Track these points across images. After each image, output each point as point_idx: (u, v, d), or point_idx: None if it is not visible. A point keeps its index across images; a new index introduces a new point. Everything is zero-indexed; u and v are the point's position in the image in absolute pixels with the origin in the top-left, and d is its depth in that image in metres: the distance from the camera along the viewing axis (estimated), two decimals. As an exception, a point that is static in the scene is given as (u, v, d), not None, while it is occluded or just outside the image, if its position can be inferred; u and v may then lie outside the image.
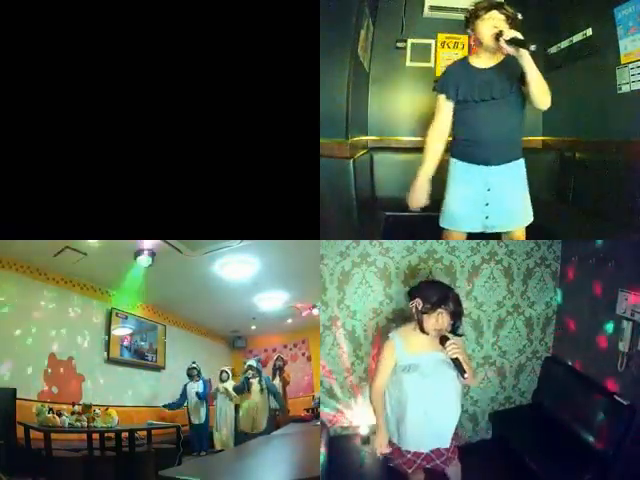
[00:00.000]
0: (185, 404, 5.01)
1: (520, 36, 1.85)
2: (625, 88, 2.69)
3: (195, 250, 3.54)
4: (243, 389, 4.70)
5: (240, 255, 3.70)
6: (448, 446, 1.94)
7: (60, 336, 4.04)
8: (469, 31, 2.04)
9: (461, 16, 3.47)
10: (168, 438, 4.41)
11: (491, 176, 2.07)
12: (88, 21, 2.01)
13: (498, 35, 1.88)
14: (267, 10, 2.06)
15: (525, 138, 3.71)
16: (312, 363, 6.74)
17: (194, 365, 5.12)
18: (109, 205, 2.08)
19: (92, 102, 2.05)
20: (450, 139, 2.18)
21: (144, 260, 3.47)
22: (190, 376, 5.07)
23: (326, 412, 2.69)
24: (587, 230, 2.71)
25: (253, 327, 6.77)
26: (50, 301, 4.00)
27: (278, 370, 5.23)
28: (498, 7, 1.93)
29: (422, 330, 1.80)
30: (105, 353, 4.60)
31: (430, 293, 1.77)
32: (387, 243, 2.55)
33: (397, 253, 2.56)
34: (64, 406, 3.40)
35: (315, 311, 4.95)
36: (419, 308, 1.78)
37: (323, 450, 2.31)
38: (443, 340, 1.75)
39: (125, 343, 4.93)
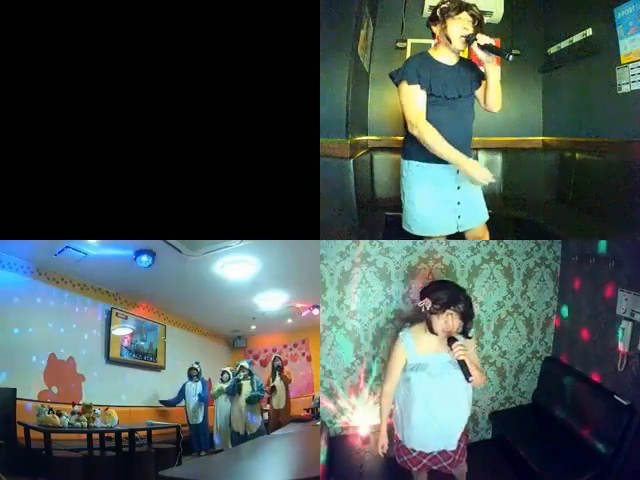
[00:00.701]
0: (182, 403, 5.02)
1: (494, 42, 1.89)
2: (625, 88, 2.69)
3: (195, 250, 3.54)
4: (234, 390, 4.69)
5: (240, 255, 3.70)
6: (454, 448, 1.93)
7: (60, 336, 4.04)
8: (434, 28, 2.01)
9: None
10: (168, 438, 4.41)
11: (459, 173, 2.05)
12: (88, 21, 2.01)
13: (469, 38, 1.90)
14: (267, 10, 2.06)
15: (525, 138, 3.77)
16: (312, 363, 6.75)
17: (196, 365, 5.13)
18: (109, 205, 2.08)
19: (92, 102, 2.05)
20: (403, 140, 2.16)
21: (144, 260, 3.48)
22: (190, 376, 5.07)
23: (326, 412, 2.69)
24: (587, 230, 2.71)
25: (253, 327, 6.77)
26: (50, 301, 4.00)
27: (277, 370, 5.23)
28: (468, 8, 1.93)
29: (431, 330, 1.79)
30: (105, 353, 4.60)
31: (440, 294, 1.75)
32: (387, 243, 2.55)
33: (397, 253, 2.56)
34: (64, 406, 3.40)
35: (315, 311, 4.96)
36: (428, 308, 1.77)
37: (323, 450, 2.30)
38: (450, 341, 1.74)
39: (125, 343, 4.93)
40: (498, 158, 3.59)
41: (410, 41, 3.64)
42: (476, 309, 2.71)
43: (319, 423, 2.73)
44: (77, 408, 3.33)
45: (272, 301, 5.15)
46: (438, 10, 1.98)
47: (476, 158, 3.39)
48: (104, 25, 2.02)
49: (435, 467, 1.98)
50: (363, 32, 3.03)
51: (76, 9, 2.00)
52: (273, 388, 5.17)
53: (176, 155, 2.10)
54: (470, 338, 1.84)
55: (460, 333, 1.79)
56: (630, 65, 2.61)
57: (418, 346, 1.85)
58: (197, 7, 2.05)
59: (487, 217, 2.25)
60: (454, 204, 2.13)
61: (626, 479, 2.12)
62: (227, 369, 5.30)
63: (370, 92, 3.65)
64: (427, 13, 3.53)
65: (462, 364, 1.71)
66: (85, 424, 3.25)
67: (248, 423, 4.52)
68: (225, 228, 2.14)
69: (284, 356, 7.15)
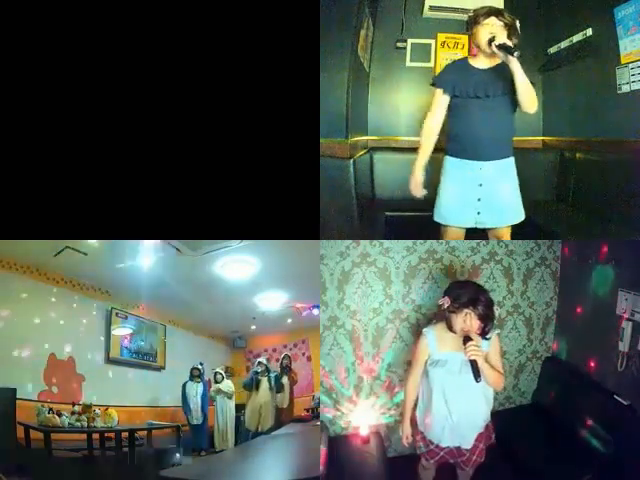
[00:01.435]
0: (181, 402, 5.02)
1: (509, 42, 1.95)
2: (625, 88, 2.68)
3: (195, 250, 3.54)
4: (252, 386, 4.69)
5: (240, 255, 3.69)
6: (470, 447, 1.95)
7: (60, 336, 4.04)
8: (471, 34, 2.12)
9: (461, 16, 3.52)
10: (168, 438, 4.41)
11: (482, 171, 2.16)
12: (88, 21, 2.01)
13: (491, 40, 1.99)
14: (267, 10, 2.06)
15: (525, 138, 3.77)
16: (312, 363, 6.74)
17: (199, 366, 5.12)
18: (109, 205, 2.07)
19: (92, 102, 2.05)
20: (444, 137, 2.25)
21: (144, 260, 3.47)
22: (192, 376, 5.07)
23: (326, 412, 2.69)
24: (587, 230, 2.71)
25: (253, 327, 6.76)
26: (50, 301, 4.00)
27: (286, 369, 5.20)
28: (497, 14, 2.02)
29: (450, 329, 1.82)
30: (105, 353, 4.60)
31: (460, 293, 1.78)
32: (387, 243, 2.55)
33: (397, 253, 2.56)
34: (64, 406, 3.40)
35: (315, 311, 4.95)
36: (446, 306, 1.79)
37: (323, 450, 2.30)
38: (465, 340, 1.75)
39: (125, 343, 4.92)
40: (498, 158, 3.59)
41: (410, 41, 3.64)
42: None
43: (319, 423, 2.73)
44: (77, 408, 3.33)
45: (272, 301, 5.14)
46: (469, 18, 2.10)
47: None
48: (104, 25, 2.02)
49: (452, 461, 2.02)
50: (363, 32, 3.03)
51: (76, 9, 2.00)
52: (281, 386, 5.15)
53: (176, 155, 2.10)
54: (488, 339, 1.84)
55: (479, 334, 1.79)
56: (630, 65, 2.61)
57: (440, 343, 1.89)
58: (197, 7, 2.05)
59: (516, 220, 2.27)
60: (474, 200, 2.20)
61: (626, 479, 2.12)
62: (220, 370, 5.30)
63: (370, 92, 3.65)
64: (427, 13, 3.54)
65: (473, 364, 1.72)
66: (85, 424, 3.25)
67: (262, 419, 4.53)
68: (225, 228, 2.14)
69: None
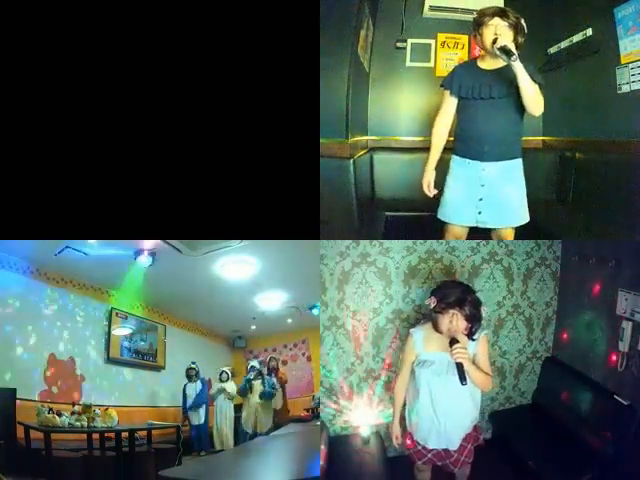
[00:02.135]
0: (181, 402, 5.02)
1: (510, 45, 1.94)
2: (625, 88, 2.68)
3: (195, 250, 3.54)
4: (246, 391, 4.69)
5: (240, 255, 3.70)
6: (456, 448, 1.95)
7: (60, 336, 4.04)
8: (476, 35, 2.13)
9: (461, 16, 3.52)
10: (168, 438, 4.41)
11: (485, 172, 2.18)
12: (88, 21, 2.01)
13: (494, 41, 1.99)
14: (267, 10, 2.06)
15: (525, 138, 3.72)
16: (312, 363, 6.75)
17: (193, 366, 5.12)
18: (109, 205, 2.08)
19: (92, 102, 2.05)
20: (452, 139, 2.29)
21: (144, 260, 3.48)
22: (189, 377, 5.07)
23: (326, 412, 2.69)
24: (587, 230, 2.71)
25: (253, 327, 6.77)
26: (50, 301, 4.00)
27: (273, 371, 5.22)
28: (501, 14, 2.01)
29: (436, 329, 1.81)
30: (105, 353, 4.60)
31: (447, 293, 1.77)
32: (387, 243, 2.55)
33: (397, 253, 2.56)
34: (64, 406, 3.40)
35: (315, 311, 4.95)
36: (433, 306, 1.79)
37: (323, 450, 2.30)
38: (452, 342, 1.74)
39: (125, 343, 4.93)
40: (498, 158, 3.59)
41: (410, 41, 3.64)
42: (476, 309, 2.71)
43: (319, 423, 2.73)
44: (77, 408, 3.32)
45: (272, 301, 5.15)
46: (474, 18, 2.11)
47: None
48: (104, 25, 2.02)
49: (439, 463, 2.01)
50: (363, 32, 3.03)
51: (76, 9, 2.00)
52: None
53: (176, 155, 2.10)
54: (475, 340, 1.84)
55: (466, 335, 1.79)
56: (630, 65, 2.61)
57: (426, 344, 1.89)
58: (197, 7, 2.05)
59: (519, 222, 2.28)
60: (475, 199, 2.22)
61: (626, 479, 2.12)
62: (226, 369, 5.29)
63: (370, 92, 3.65)
64: (427, 13, 3.54)
65: (459, 366, 1.71)
66: (85, 424, 3.24)
67: (259, 423, 4.52)
68: (225, 228, 2.14)
69: (284, 356, 7.16)
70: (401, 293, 2.61)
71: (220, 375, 5.22)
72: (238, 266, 3.89)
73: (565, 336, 2.84)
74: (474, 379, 1.77)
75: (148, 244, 3.39)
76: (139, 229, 2.10)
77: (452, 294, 1.76)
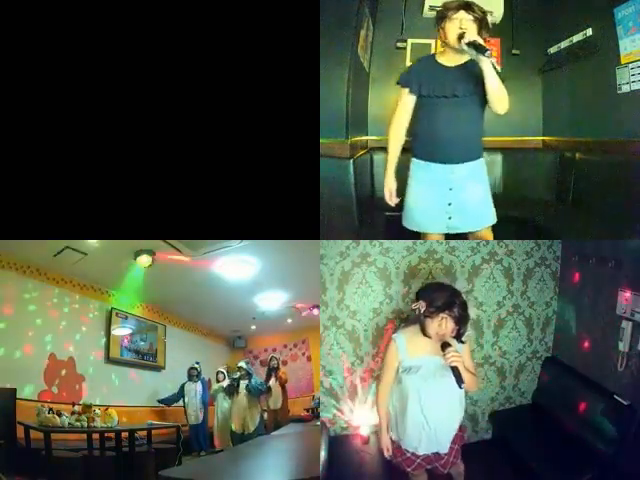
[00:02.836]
0: (181, 403, 5.02)
1: (480, 39, 1.86)
2: (625, 88, 2.68)
3: (195, 250, 3.54)
4: (232, 390, 4.68)
5: (240, 255, 3.70)
6: (446, 451, 1.93)
7: (60, 336, 4.04)
8: (439, 29, 2.03)
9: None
10: (168, 438, 4.41)
11: (452, 174, 2.09)
12: (88, 21, 2.01)
13: (460, 36, 1.90)
14: (267, 10, 2.06)
15: (525, 138, 3.77)
16: (312, 363, 6.75)
17: (196, 366, 5.12)
18: (109, 205, 2.08)
19: (92, 102, 2.05)
20: (410, 139, 2.19)
21: (144, 260, 3.48)
22: (190, 376, 5.07)
23: (326, 412, 2.69)
24: (587, 230, 2.71)
25: (253, 327, 6.77)
26: (50, 301, 4.00)
27: (273, 371, 5.21)
28: (466, 7, 1.92)
29: (425, 333, 1.78)
30: (105, 353, 4.60)
31: (435, 297, 1.73)
32: (387, 243, 2.55)
33: (397, 253, 2.56)
34: (64, 406, 3.40)
35: (315, 311, 4.96)
36: (422, 311, 1.74)
37: (323, 450, 2.30)
38: (444, 347, 1.72)
39: (125, 343, 4.93)
40: (498, 158, 3.58)
41: (410, 41, 3.64)
42: (476, 309, 2.71)
43: (319, 423, 2.73)
44: (77, 408, 3.32)
45: (272, 301, 5.15)
46: (438, 12, 2.00)
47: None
48: (104, 25, 2.02)
49: (429, 467, 1.98)
50: (363, 32, 3.03)
51: (76, 9, 2.00)
52: (268, 389, 5.15)
53: (176, 155, 2.10)
54: (464, 343, 1.82)
55: (454, 337, 1.77)
56: (630, 65, 2.61)
57: (411, 349, 1.84)
58: (197, 7, 2.05)
59: (488, 224, 2.22)
60: (444, 204, 2.13)
61: (626, 479, 2.12)
62: (222, 369, 5.29)
63: (370, 92, 3.65)
64: (427, 13, 3.53)
65: (455, 371, 1.69)
66: (85, 424, 3.24)
67: (246, 422, 4.51)
68: (225, 228, 2.14)
69: (284, 356, 7.16)
70: (401, 293, 2.61)
71: (217, 376, 5.22)
72: (238, 266, 3.89)
73: (565, 336, 2.84)
74: (466, 381, 1.74)
75: (148, 244, 3.39)
76: (139, 229, 2.10)
77: (440, 297, 1.72)
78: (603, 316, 2.42)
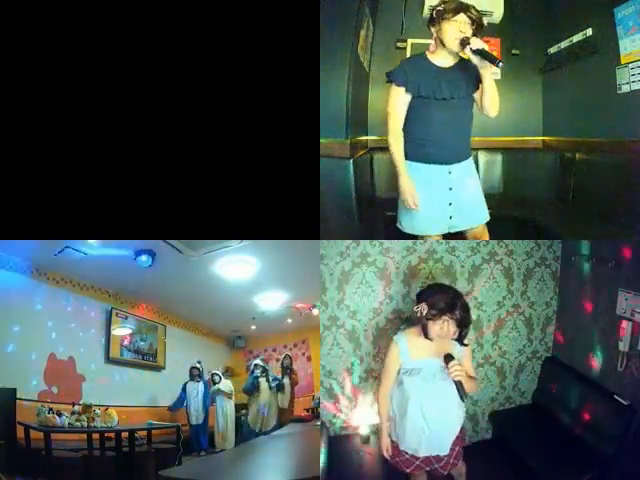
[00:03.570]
0: (185, 403, 5.02)
1: (487, 47, 1.87)
2: (625, 88, 2.68)
3: (195, 250, 3.54)
4: (253, 389, 4.68)
5: (240, 255, 3.69)
6: (447, 453, 1.93)
7: (60, 336, 4.04)
8: (432, 29, 2.00)
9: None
10: (168, 438, 4.41)
11: (451, 175, 2.10)
12: (88, 21, 2.01)
13: (464, 41, 1.88)
14: (267, 10, 2.06)
15: (525, 138, 3.77)
16: (312, 363, 6.75)
17: (197, 365, 5.11)
18: (109, 205, 2.08)
19: (92, 102, 2.05)
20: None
21: (144, 260, 3.48)
22: (192, 376, 5.07)
23: (326, 412, 2.69)
24: (587, 230, 2.71)
25: (253, 327, 6.77)
26: (50, 301, 4.00)
27: (287, 370, 5.17)
28: (466, 10, 1.90)
29: (426, 336, 1.77)
30: (105, 353, 4.60)
31: (437, 299, 1.71)
32: (387, 243, 2.55)
33: (397, 253, 2.56)
34: (64, 406, 3.40)
35: (315, 311, 4.95)
36: (424, 314, 1.73)
37: (323, 450, 2.30)
38: (447, 359, 1.71)
39: (125, 343, 4.93)
40: (498, 158, 3.59)
41: (410, 41, 3.63)
42: (476, 309, 2.72)
43: (319, 423, 2.73)
44: (77, 408, 3.33)
45: (272, 301, 5.15)
46: (434, 12, 1.96)
47: (476, 158, 3.38)
48: (104, 25, 2.02)
49: (428, 468, 1.98)
50: (363, 32, 3.03)
51: (76, 9, 2.00)
52: (282, 386, 5.13)
53: (176, 155, 2.10)
54: (466, 346, 1.82)
55: (456, 339, 1.77)
56: (630, 65, 2.61)
57: (412, 351, 1.84)
58: (197, 7, 2.05)
59: (485, 219, 2.24)
60: (445, 205, 2.13)
61: (626, 479, 2.12)
62: (217, 371, 5.29)
63: (370, 92, 3.64)
64: (427, 13, 3.52)
65: (458, 384, 1.68)
66: (85, 424, 3.25)
67: (266, 419, 4.52)
68: (225, 228, 2.14)
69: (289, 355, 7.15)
70: (401, 293, 2.61)
71: (212, 378, 5.22)
72: (238, 266, 3.89)
73: (565, 336, 2.84)
74: (467, 388, 1.74)
75: (148, 244, 3.39)
76: (139, 229, 2.10)
77: (442, 300, 1.70)
78: (603, 316, 2.42)
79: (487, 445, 2.88)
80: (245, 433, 4.69)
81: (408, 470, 1.97)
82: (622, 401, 2.19)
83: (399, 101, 2.03)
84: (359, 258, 2.53)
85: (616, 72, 2.73)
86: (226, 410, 5.20)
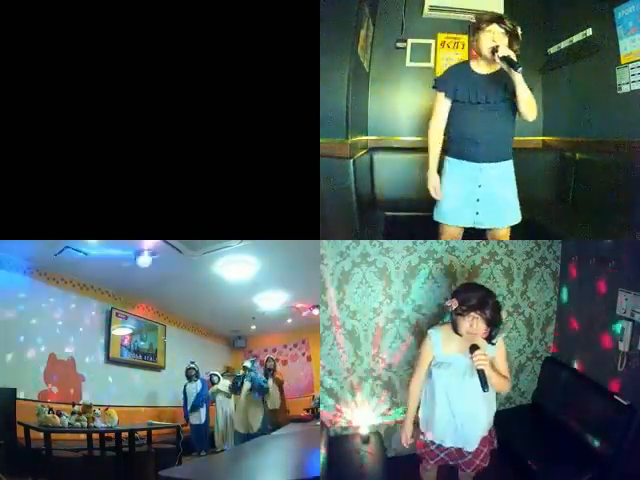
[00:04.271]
0: (182, 402, 5.02)
1: (513, 55, 2.00)
2: (625, 88, 2.69)
3: (195, 250, 3.54)
4: (236, 390, 4.67)
5: (240, 255, 3.70)
6: (472, 449, 1.94)
7: (60, 336, 4.04)
8: (472, 40, 2.19)
9: (461, 16, 3.52)
10: (168, 438, 4.42)
11: (482, 173, 2.24)
12: (88, 21, 2.01)
13: (494, 50, 2.04)
14: (267, 10, 2.06)
15: (525, 138, 3.76)
16: (312, 363, 6.75)
17: (192, 365, 5.12)
18: (109, 205, 2.08)
19: (92, 102, 2.05)
20: (445, 138, 2.32)
21: (144, 260, 3.48)
22: (188, 377, 5.07)
23: (326, 412, 2.69)
24: (587, 230, 2.71)
25: (253, 327, 6.78)
26: (50, 301, 4.00)
27: (270, 371, 5.19)
28: (499, 21, 2.08)
29: (456, 331, 1.80)
30: (105, 353, 4.61)
31: (468, 296, 1.76)
32: (387, 243, 2.55)
33: (397, 253, 2.56)
34: (64, 406, 3.40)
35: (315, 311, 4.95)
36: (454, 309, 1.78)
37: (323, 450, 2.30)
38: (472, 349, 1.73)
39: (125, 343, 4.93)
40: (498, 158, 3.59)
41: (410, 41, 3.64)
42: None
43: (319, 423, 2.73)
44: (77, 408, 3.33)
45: (272, 301, 5.15)
46: (471, 24, 2.19)
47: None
48: (104, 25, 2.02)
49: (451, 463, 2.01)
50: (363, 32, 3.03)
51: (76, 9, 2.00)
52: (266, 389, 5.12)
53: (176, 155, 2.10)
54: (494, 344, 1.83)
55: (485, 339, 1.78)
56: (630, 65, 2.61)
57: (445, 345, 1.88)
58: (197, 7, 2.05)
59: (513, 222, 2.33)
60: (473, 200, 2.27)
61: (626, 479, 2.12)
62: (215, 372, 5.31)
63: (370, 92, 3.65)
64: (427, 13, 3.54)
65: (480, 373, 1.70)
66: (85, 424, 3.25)
67: (249, 422, 4.51)
68: (225, 228, 2.14)
69: (284, 356, 7.16)
70: (401, 293, 2.61)
71: (211, 378, 5.22)
72: (238, 266, 3.89)
73: (565, 336, 2.84)
74: (493, 383, 1.76)
75: (148, 244, 3.39)
76: (139, 229, 2.10)
77: (474, 297, 1.74)
78: (603, 316, 2.42)
79: (487, 445, 2.88)
80: (236, 436, 4.64)
81: (432, 461, 2.02)
82: (622, 401, 2.19)
83: (439, 104, 2.27)
84: (359, 258, 2.53)
85: (616, 72, 2.73)
86: (226, 410, 5.20)
